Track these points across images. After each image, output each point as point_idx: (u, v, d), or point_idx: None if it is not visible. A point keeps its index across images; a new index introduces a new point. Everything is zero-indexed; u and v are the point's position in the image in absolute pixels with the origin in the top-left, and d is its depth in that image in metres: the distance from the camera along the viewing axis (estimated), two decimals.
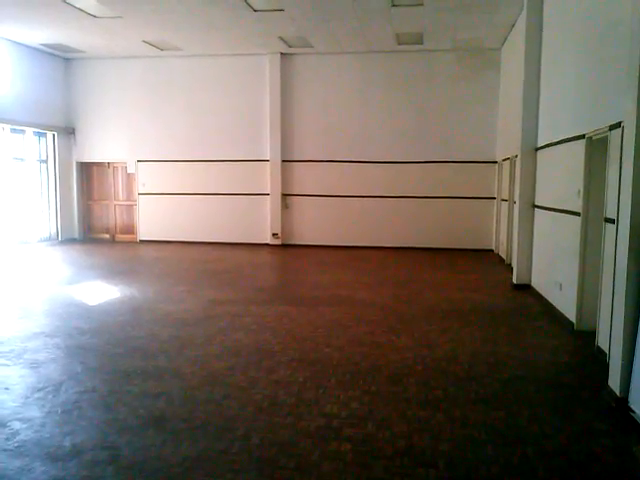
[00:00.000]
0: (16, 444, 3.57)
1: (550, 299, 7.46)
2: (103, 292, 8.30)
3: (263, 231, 13.96)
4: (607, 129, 5.29)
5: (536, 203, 8.55)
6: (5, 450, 3.49)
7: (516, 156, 9.36)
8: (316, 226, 13.77)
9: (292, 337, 6.01)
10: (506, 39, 11.75)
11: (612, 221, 5.00)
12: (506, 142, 11.47)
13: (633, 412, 3.98)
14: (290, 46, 12.67)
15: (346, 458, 3.42)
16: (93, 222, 15.01)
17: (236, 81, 13.83)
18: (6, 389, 4.52)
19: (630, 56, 4.16)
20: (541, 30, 8.45)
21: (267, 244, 13.85)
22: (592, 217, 5.97)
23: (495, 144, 12.87)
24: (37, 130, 13.63)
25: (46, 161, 14.09)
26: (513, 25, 10.64)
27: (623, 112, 4.46)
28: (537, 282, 8.36)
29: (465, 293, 8.41)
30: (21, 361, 5.18)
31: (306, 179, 13.74)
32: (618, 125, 4.88)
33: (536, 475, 3.29)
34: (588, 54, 6.27)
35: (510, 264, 10.13)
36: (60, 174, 14.27)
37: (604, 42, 5.72)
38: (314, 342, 5.82)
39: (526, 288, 8.63)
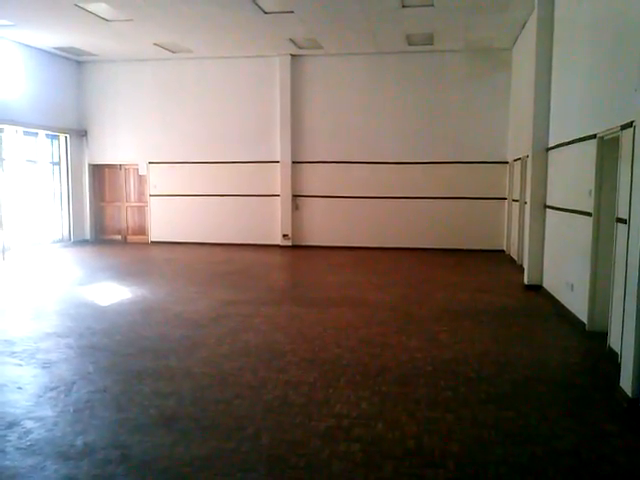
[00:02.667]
0: (28, 443, 3.60)
1: (561, 300, 7.41)
2: (115, 293, 8.36)
3: (273, 232, 13.98)
4: (619, 129, 5.25)
5: (547, 203, 8.50)
6: (18, 449, 3.53)
7: (527, 156, 9.32)
8: (326, 227, 13.78)
9: (302, 337, 6.02)
10: (517, 39, 11.69)
11: (624, 221, 4.96)
12: (517, 142, 11.42)
13: None
14: (300, 48, 12.69)
15: (356, 458, 3.43)
16: (105, 223, 15.11)
17: (246, 83, 13.87)
18: (19, 388, 4.57)
19: None
20: (552, 30, 8.40)
21: (277, 245, 13.88)
22: (604, 217, 5.93)
23: (506, 144, 12.81)
24: (50, 132, 13.76)
25: (58, 163, 14.21)
26: (524, 25, 10.59)
27: (635, 111, 4.43)
28: (548, 283, 8.32)
29: (476, 294, 8.38)
30: (33, 361, 5.23)
31: (316, 180, 13.75)
32: (630, 125, 4.84)
33: (546, 475, 3.27)
34: (599, 53, 6.24)
35: (521, 265, 10.08)
36: (72, 176, 14.38)
37: (615, 41, 5.68)
38: (324, 342, 5.83)
39: (537, 289, 8.58)
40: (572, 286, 6.88)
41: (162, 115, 14.27)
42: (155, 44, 12.44)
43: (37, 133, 13.40)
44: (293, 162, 13.70)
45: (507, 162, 12.74)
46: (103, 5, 9.61)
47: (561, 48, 8.06)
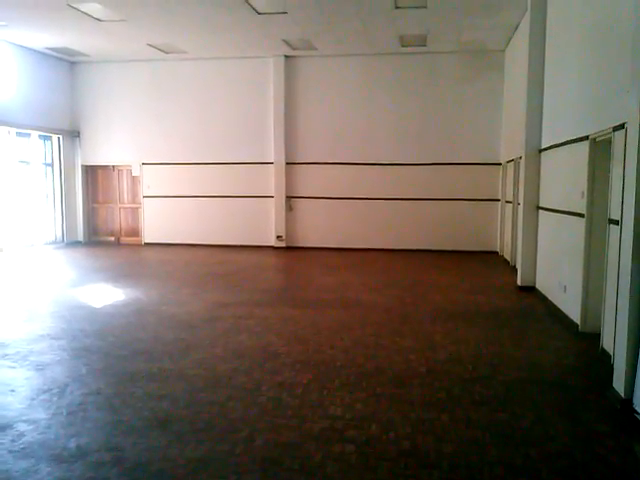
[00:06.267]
0: (22, 445, 3.58)
1: (554, 301, 7.44)
2: (108, 295, 8.33)
3: (267, 233, 13.97)
4: (611, 130, 5.28)
5: (540, 205, 8.54)
6: (11, 451, 3.51)
7: (520, 158, 9.35)
8: (320, 228, 13.78)
9: (296, 339, 6.02)
10: (510, 41, 11.74)
11: (616, 222, 4.98)
12: (510, 144, 11.46)
13: (638, 414, 3.97)
14: (294, 49, 12.70)
15: (350, 459, 3.43)
16: (98, 225, 15.06)
17: (240, 84, 13.86)
18: (12, 391, 4.54)
19: (633, 57, 4.16)
20: (545, 32, 8.44)
21: (271, 246, 13.87)
22: (596, 218, 5.96)
23: (499, 146, 12.86)
24: (42, 133, 13.70)
25: (51, 164, 14.15)
26: (517, 27, 10.63)
27: (627, 113, 4.46)
28: (541, 284, 8.35)
29: (469, 295, 8.40)
30: (27, 363, 5.20)
31: (310, 181, 13.76)
32: (622, 126, 4.87)
33: (540, 476, 3.28)
34: (592, 55, 6.27)
35: (514, 266, 10.11)
36: (65, 177, 14.33)
37: (607, 43, 5.72)
38: (318, 344, 5.82)
39: (530, 290, 8.61)
40: (565, 287, 6.91)
41: (155, 116, 14.24)
42: (149, 45, 12.42)
43: (30, 134, 13.34)
44: (287, 163, 13.70)
45: (500, 163, 12.78)
46: (96, 5, 9.58)
47: (553, 50, 8.09)
